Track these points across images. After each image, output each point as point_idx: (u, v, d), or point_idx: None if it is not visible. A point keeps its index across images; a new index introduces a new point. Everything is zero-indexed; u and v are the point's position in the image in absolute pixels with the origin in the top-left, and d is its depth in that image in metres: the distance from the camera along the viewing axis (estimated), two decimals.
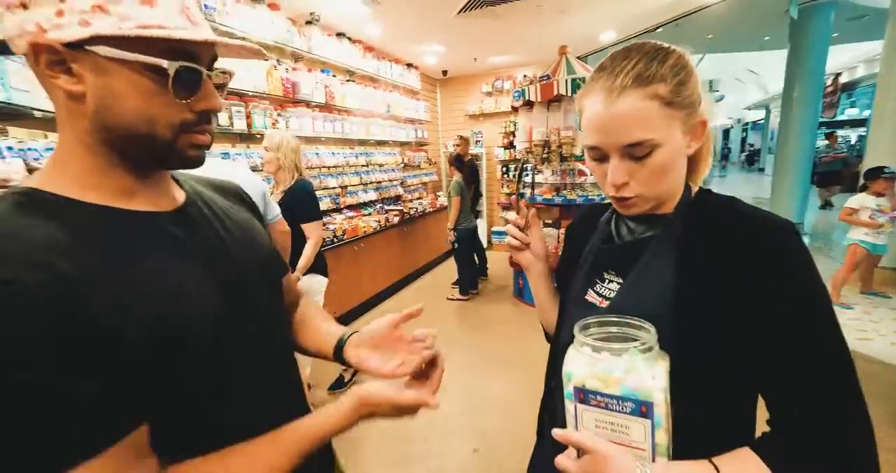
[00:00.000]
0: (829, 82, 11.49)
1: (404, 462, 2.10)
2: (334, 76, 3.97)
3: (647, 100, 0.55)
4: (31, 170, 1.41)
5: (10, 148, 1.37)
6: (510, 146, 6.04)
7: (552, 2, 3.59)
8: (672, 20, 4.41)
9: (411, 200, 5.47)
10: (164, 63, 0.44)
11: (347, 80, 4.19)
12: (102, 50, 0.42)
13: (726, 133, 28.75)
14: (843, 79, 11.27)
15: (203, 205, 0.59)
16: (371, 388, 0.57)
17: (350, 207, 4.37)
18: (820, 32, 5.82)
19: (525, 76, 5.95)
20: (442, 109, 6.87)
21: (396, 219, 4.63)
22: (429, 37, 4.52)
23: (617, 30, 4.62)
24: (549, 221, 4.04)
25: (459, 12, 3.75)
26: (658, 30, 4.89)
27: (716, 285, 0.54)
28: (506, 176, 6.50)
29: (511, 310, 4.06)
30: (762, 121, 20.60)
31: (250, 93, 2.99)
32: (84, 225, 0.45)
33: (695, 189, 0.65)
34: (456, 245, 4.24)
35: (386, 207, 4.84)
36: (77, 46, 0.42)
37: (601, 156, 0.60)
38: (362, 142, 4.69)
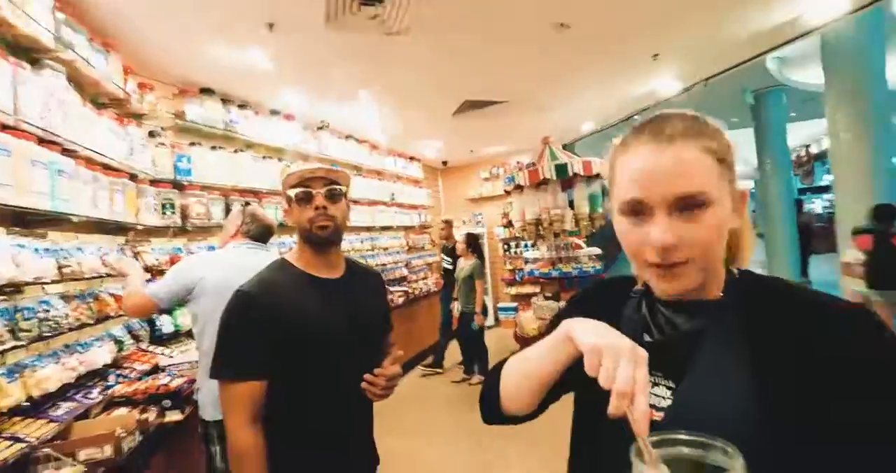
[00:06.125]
0: (802, 153, 12.15)
1: None
2: None
3: (701, 151, 0.51)
4: (60, 267, 1.58)
5: (46, 249, 1.55)
6: (509, 225, 6.34)
7: (530, 102, 4.10)
8: (642, 110, 4.93)
9: (416, 281, 5.58)
10: (290, 193, 1.05)
11: (355, 174, 4.61)
12: (289, 192, 1.05)
13: None
14: (814, 150, 11.91)
15: (353, 278, 1.15)
16: None
17: None
18: (777, 113, 6.47)
19: (517, 163, 6.46)
20: (444, 195, 7.34)
21: (401, 300, 4.69)
22: (429, 135, 5.06)
23: (595, 121, 5.15)
24: (549, 294, 4.08)
25: (454, 114, 4.27)
26: (634, 118, 5.44)
27: (799, 383, 0.46)
28: (507, 252, 6.69)
29: None
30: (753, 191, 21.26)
31: (264, 191, 3.32)
32: (294, 278, 1.06)
33: (734, 271, 0.58)
34: (475, 326, 4.08)
35: (391, 288, 4.94)
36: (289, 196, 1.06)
37: (641, 212, 0.52)
38: (368, 229, 4.97)
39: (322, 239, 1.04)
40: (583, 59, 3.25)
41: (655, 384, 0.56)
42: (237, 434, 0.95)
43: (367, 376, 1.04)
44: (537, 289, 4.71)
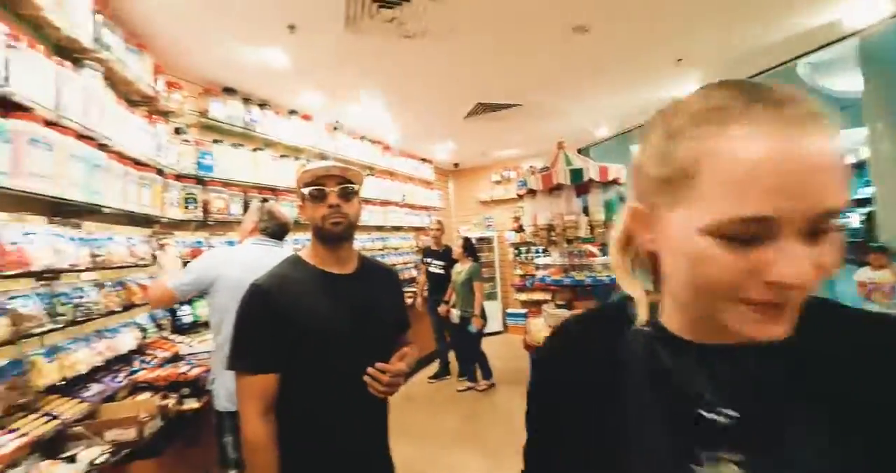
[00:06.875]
0: None
1: None
2: None
3: (837, 143, 0.35)
4: (93, 256, 1.66)
5: (81, 239, 1.63)
6: (520, 229, 6.34)
7: (545, 106, 4.12)
8: None
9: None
10: (304, 190, 1.07)
11: (367, 174, 4.68)
12: (304, 190, 1.09)
13: None
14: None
15: (366, 273, 1.17)
16: None
17: None
18: None
19: (530, 167, 6.47)
20: (455, 197, 7.38)
21: (410, 301, 4.73)
22: (440, 137, 5.11)
23: (610, 126, 5.14)
24: (562, 302, 4.07)
25: (466, 117, 4.31)
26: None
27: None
28: (518, 257, 6.70)
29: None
30: None
31: (281, 188, 3.40)
32: (306, 273, 1.09)
33: None
34: (473, 329, 4.06)
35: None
36: (303, 193, 1.10)
37: (759, 234, 0.34)
38: (379, 228, 5.03)
39: (334, 235, 1.07)
40: (601, 63, 3.25)
41: (717, 460, 0.40)
42: (251, 425, 0.98)
43: (369, 369, 1.03)
44: (548, 296, 4.70)
